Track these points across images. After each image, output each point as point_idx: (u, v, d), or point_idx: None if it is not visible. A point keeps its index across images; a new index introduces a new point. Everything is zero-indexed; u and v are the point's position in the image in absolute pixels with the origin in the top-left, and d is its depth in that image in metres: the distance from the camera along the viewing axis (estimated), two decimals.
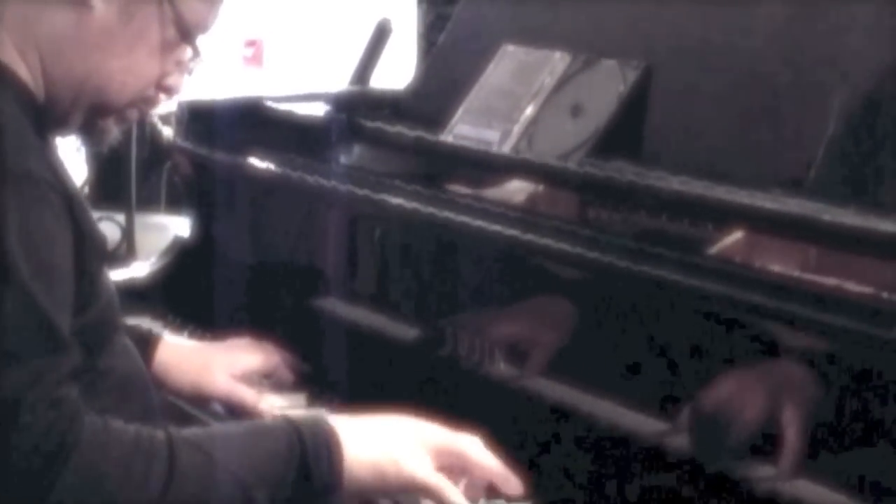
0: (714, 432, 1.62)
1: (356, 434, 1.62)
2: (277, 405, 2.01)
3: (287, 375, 2.10)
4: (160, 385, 1.99)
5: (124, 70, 1.66)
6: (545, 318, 1.85)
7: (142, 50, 1.67)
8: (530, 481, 1.67)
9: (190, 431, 1.62)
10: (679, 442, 1.66)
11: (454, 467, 1.64)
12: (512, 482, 1.65)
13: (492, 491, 1.67)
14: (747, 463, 1.58)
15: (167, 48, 1.69)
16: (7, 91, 1.60)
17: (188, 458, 1.53)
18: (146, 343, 2.02)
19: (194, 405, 2.03)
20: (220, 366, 2.04)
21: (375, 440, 1.62)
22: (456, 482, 1.63)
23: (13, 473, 1.46)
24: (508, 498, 1.66)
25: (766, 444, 1.55)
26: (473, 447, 1.65)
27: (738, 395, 1.60)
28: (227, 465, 1.55)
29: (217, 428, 1.79)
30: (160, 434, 1.56)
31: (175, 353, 2.04)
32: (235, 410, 2.02)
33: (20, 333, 1.49)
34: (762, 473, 1.57)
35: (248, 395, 2.02)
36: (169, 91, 1.74)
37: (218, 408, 2.05)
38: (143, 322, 2.21)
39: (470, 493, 1.64)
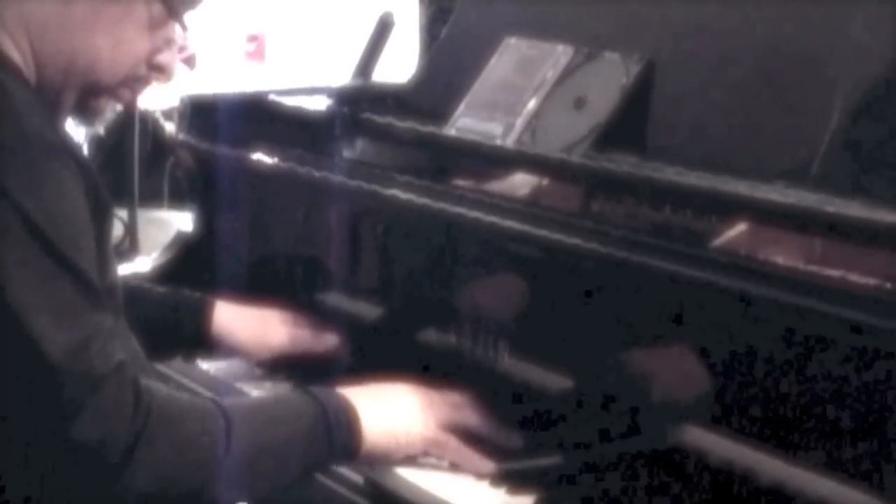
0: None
1: (369, 403, 1.71)
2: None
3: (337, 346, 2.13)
4: (221, 346, 2.08)
5: (112, 48, 1.67)
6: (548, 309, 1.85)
7: (129, 27, 1.68)
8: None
9: (230, 400, 1.70)
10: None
11: (451, 426, 1.74)
12: (505, 433, 1.76)
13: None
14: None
15: (154, 25, 1.70)
16: (10, 75, 1.61)
17: (239, 423, 1.60)
18: (201, 305, 2.09)
19: (257, 362, 2.09)
20: (277, 319, 2.11)
21: (385, 407, 1.72)
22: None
23: (102, 441, 1.48)
24: (504, 450, 1.74)
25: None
26: (467, 403, 1.78)
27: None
28: (268, 433, 1.62)
29: (250, 399, 1.89)
30: (208, 401, 1.64)
31: (234, 314, 2.10)
32: None
33: (63, 291, 1.51)
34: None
35: (312, 336, 2.09)
36: (161, 69, 1.74)
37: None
38: None
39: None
